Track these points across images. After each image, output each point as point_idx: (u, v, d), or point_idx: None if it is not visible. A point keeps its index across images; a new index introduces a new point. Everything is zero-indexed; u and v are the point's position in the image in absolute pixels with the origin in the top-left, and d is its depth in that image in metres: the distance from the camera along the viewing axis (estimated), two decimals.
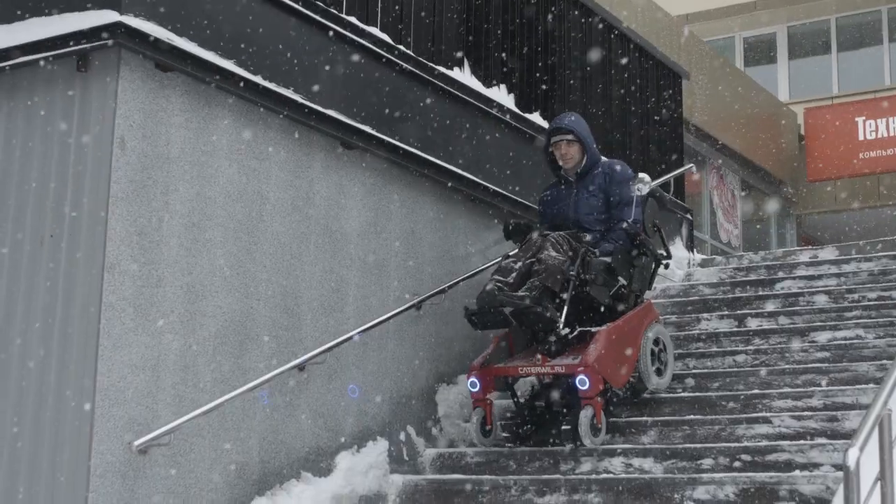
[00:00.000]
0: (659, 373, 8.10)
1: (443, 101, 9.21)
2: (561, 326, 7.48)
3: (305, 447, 7.55)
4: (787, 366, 8.47)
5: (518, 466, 7.58)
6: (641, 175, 8.07)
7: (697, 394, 8.23)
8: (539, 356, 7.66)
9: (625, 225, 7.91)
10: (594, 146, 8.36)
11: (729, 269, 11.95)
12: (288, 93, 7.58)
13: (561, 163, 8.33)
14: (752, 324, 9.74)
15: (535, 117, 10.41)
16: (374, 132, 8.27)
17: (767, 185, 23.30)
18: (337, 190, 8.04)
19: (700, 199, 20.09)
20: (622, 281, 7.81)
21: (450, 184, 9.02)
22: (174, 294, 6.75)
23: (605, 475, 7.14)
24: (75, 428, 6.27)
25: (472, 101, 9.51)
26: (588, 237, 7.90)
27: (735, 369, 8.63)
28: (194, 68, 6.92)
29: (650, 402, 8.15)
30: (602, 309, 7.82)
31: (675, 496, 6.67)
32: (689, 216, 13.57)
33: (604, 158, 8.47)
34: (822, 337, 8.99)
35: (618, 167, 8.30)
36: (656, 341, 8.10)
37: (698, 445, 7.24)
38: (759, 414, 7.59)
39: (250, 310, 7.24)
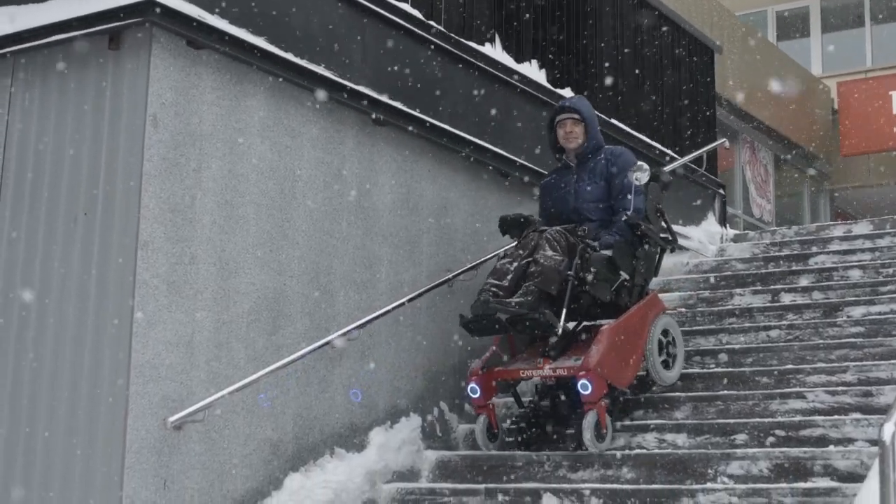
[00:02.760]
0: (667, 366, 7.83)
1: (474, 77, 9.20)
2: (559, 332, 7.19)
3: (339, 423, 7.58)
4: (820, 341, 8.43)
5: (551, 442, 7.58)
6: (640, 163, 7.73)
7: (731, 369, 8.20)
8: (541, 359, 7.43)
9: (624, 218, 7.63)
10: (597, 129, 8.16)
11: (762, 244, 11.91)
12: (319, 69, 7.58)
13: (563, 142, 8.11)
14: (786, 299, 9.70)
15: (567, 93, 10.37)
16: (405, 108, 8.27)
17: (800, 159, 23.16)
18: (369, 166, 8.04)
19: (732, 175, 19.99)
20: (624, 275, 7.53)
21: (478, 159, 9.01)
22: (207, 271, 6.78)
23: (637, 450, 7.14)
24: (110, 405, 6.31)
25: (503, 76, 9.50)
26: (587, 228, 7.58)
27: (768, 344, 8.59)
28: (226, 46, 6.92)
29: (683, 378, 8.11)
30: (607, 303, 7.51)
31: (709, 471, 6.66)
32: (721, 191, 13.52)
33: (607, 145, 8.25)
34: (857, 312, 8.94)
35: (621, 154, 8.07)
36: (664, 333, 7.83)
37: (731, 421, 7.22)
38: (793, 389, 7.55)
39: (283, 286, 7.27)
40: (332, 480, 7.12)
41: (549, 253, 7.29)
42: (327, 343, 7.42)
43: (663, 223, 8.17)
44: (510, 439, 7.64)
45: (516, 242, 7.76)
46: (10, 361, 6.76)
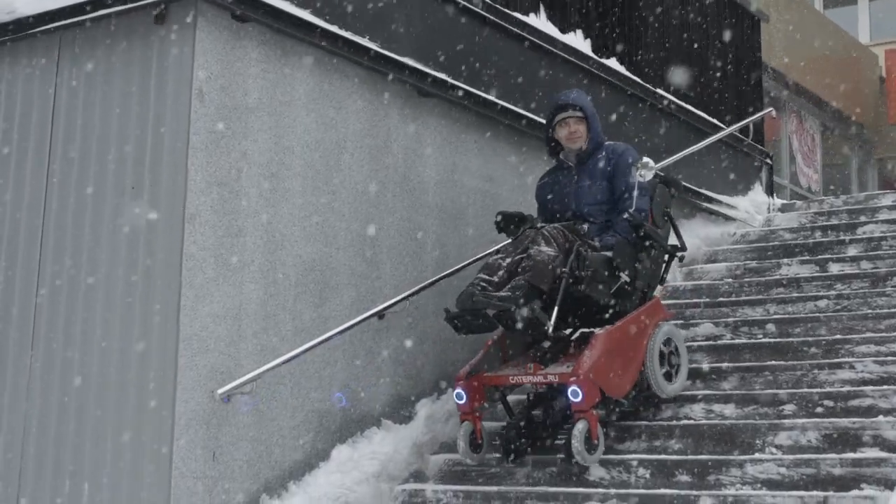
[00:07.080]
0: (669, 378, 7.29)
1: (519, 48, 9.17)
2: (550, 329, 6.58)
3: (386, 395, 7.60)
4: (869, 311, 8.36)
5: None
6: (645, 160, 7.27)
7: (779, 339, 8.15)
8: (532, 364, 6.95)
9: (626, 215, 7.12)
10: (599, 126, 7.60)
11: (809, 214, 11.82)
12: (364, 41, 7.58)
13: (566, 143, 7.55)
14: (834, 269, 9.62)
15: (612, 63, 10.34)
16: (450, 80, 8.25)
17: (848, 128, 22.95)
18: (414, 138, 8.04)
19: (779, 144, 19.84)
20: (624, 277, 6.97)
21: (523, 130, 8.99)
22: (254, 244, 6.80)
23: (685, 421, 7.10)
24: (159, 377, 6.36)
25: (548, 47, 9.45)
26: (587, 228, 7.16)
27: (816, 314, 8.53)
28: (271, 18, 6.93)
29: (731, 349, 8.08)
30: (605, 308, 7.04)
31: (757, 442, 6.63)
32: (768, 161, 13.42)
33: (608, 141, 7.71)
34: None
35: (623, 152, 7.50)
36: (666, 343, 7.28)
37: (780, 391, 7.17)
38: (842, 359, 7.50)
39: (329, 259, 7.28)
40: (379, 452, 7.15)
41: (544, 248, 6.77)
42: (374, 314, 7.44)
43: (672, 228, 7.73)
44: (497, 455, 7.14)
45: (513, 239, 7.29)
46: (60, 336, 6.82)
